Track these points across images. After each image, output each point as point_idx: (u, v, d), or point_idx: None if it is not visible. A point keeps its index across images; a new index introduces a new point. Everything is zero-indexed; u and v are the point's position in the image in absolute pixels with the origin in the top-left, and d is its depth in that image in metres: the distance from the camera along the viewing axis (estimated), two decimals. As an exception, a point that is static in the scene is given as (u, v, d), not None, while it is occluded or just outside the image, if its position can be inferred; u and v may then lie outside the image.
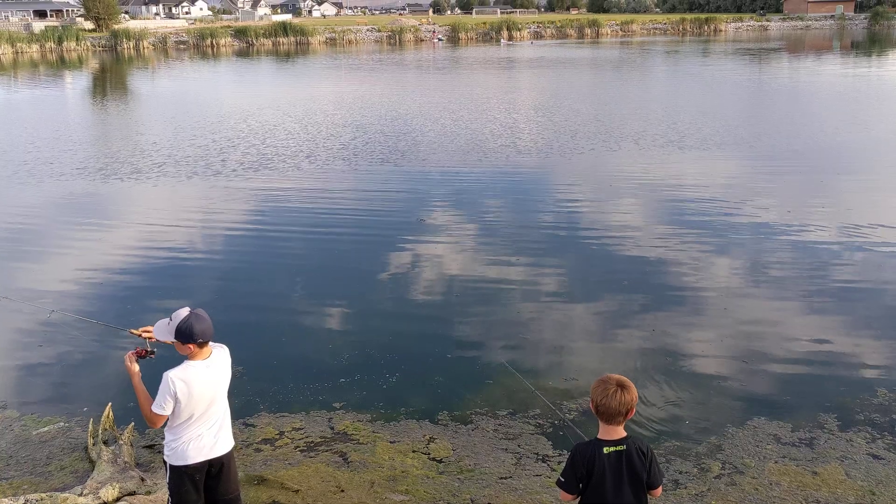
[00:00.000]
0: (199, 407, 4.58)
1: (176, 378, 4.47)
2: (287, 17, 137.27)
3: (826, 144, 26.27)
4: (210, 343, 4.68)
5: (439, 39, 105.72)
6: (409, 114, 34.19)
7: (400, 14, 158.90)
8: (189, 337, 4.51)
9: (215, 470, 4.73)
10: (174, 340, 4.58)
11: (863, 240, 15.13)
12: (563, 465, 4.14)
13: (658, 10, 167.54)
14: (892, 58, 65.77)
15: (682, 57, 71.24)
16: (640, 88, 45.95)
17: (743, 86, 44.83)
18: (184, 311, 4.58)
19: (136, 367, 4.73)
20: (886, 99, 37.13)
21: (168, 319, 4.63)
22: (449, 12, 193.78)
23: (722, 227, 16.23)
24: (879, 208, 17.58)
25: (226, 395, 4.79)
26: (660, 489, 4.11)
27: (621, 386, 4.01)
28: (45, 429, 8.16)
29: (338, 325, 11.27)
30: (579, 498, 4.09)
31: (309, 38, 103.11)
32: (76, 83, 55.01)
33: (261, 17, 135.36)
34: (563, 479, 4.09)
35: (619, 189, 20.02)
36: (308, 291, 12.71)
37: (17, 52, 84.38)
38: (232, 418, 5.07)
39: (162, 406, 4.49)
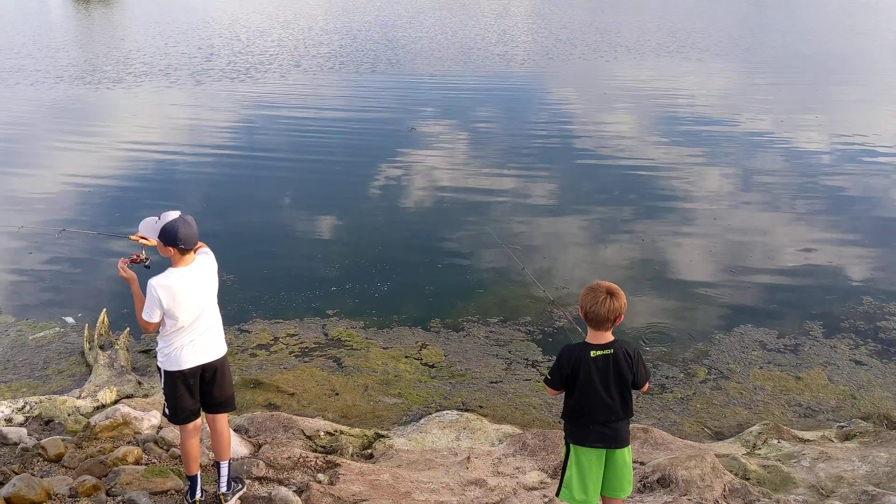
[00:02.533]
0: (187, 313, 4.60)
1: (158, 285, 4.47)
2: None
3: (823, 53, 25.85)
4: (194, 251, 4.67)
5: None
6: (400, 20, 33.29)
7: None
8: (172, 240, 4.48)
9: (209, 375, 4.78)
10: (157, 240, 4.55)
11: (853, 151, 15.09)
12: (552, 366, 4.25)
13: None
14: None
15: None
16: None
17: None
18: (174, 213, 4.53)
19: (131, 274, 4.72)
20: (884, 9, 36.33)
21: (156, 218, 4.59)
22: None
23: (714, 136, 16.12)
24: (870, 119, 17.47)
25: (215, 301, 4.80)
26: (646, 386, 4.23)
27: (611, 293, 4.04)
28: (41, 334, 8.23)
29: (329, 235, 11.27)
30: (565, 395, 4.21)
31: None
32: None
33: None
34: (549, 377, 4.22)
35: (612, 98, 19.75)
36: (298, 201, 12.64)
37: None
38: (226, 325, 5.11)
39: (150, 314, 4.51)
